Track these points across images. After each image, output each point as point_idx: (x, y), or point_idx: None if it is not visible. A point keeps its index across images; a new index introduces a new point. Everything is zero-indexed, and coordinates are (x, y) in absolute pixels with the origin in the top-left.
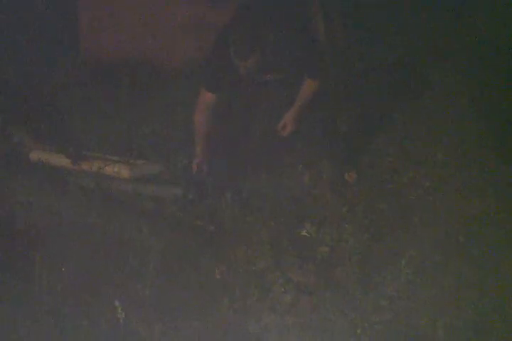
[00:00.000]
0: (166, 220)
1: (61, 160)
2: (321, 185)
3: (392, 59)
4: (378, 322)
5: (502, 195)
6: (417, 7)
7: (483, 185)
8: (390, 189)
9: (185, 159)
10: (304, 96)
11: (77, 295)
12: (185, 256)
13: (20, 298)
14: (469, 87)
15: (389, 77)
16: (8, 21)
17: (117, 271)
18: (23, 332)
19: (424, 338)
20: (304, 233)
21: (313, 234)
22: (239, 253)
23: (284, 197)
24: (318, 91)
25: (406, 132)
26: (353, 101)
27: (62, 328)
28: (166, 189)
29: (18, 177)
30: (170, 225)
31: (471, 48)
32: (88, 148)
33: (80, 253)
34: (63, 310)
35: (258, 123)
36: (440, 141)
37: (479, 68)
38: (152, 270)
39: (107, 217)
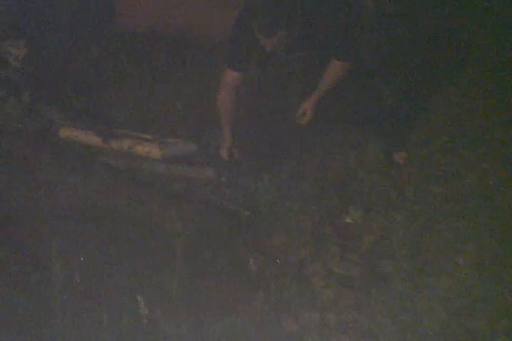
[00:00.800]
0: (197, 204)
1: (91, 138)
2: (368, 167)
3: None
4: (431, 324)
5: None
6: None
7: None
8: (444, 171)
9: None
10: (328, 81)
11: (97, 288)
12: (216, 245)
13: (34, 289)
14: None
15: (442, 46)
16: None
17: (142, 261)
18: (36, 329)
19: None
20: (348, 220)
21: (359, 222)
22: (276, 242)
23: (327, 179)
24: (344, 76)
25: (462, 106)
26: (402, 71)
27: (79, 324)
28: (198, 170)
29: (46, 155)
30: (202, 210)
31: None
32: (119, 125)
33: (103, 240)
34: (81, 304)
35: (293, 102)
36: (500, 117)
37: None
38: (180, 260)
39: (134, 200)
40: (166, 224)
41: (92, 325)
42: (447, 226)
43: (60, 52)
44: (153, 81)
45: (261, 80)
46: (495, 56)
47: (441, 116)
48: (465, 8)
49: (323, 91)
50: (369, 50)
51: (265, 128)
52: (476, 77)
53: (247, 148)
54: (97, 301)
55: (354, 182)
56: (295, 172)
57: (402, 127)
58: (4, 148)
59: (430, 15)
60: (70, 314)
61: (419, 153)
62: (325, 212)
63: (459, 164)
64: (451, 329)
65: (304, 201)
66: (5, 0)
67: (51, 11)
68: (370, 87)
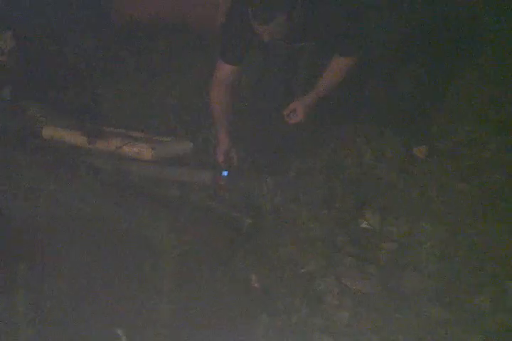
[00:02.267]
0: (193, 211)
1: (76, 138)
2: (385, 163)
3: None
4: None
5: None
6: None
7: None
8: (469, 166)
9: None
10: (328, 80)
11: (70, 317)
12: (213, 258)
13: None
14: None
15: (458, 33)
16: None
17: (127, 282)
18: None
19: None
20: (364, 225)
21: (376, 227)
22: (282, 254)
23: (340, 179)
24: (347, 73)
25: (485, 95)
26: (419, 58)
27: None
28: (194, 173)
29: (27, 157)
30: (198, 217)
31: None
32: (106, 124)
33: (84, 255)
34: (52, 328)
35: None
36: None
37: None
38: (171, 278)
39: (121, 208)
40: (157, 235)
41: None
42: (477, 231)
43: (49, 45)
44: (145, 75)
45: (259, 74)
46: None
47: (462, 105)
48: None
49: (320, 92)
50: (379, 40)
51: (266, 125)
52: (496, 62)
53: (248, 148)
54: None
55: (370, 181)
56: (303, 173)
57: (421, 118)
58: None
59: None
60: None
61: (440, 146)
62: (338, 216)
63: (486, 157)
64: None
65: (313, 205)
66: None
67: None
68: (385, 78)
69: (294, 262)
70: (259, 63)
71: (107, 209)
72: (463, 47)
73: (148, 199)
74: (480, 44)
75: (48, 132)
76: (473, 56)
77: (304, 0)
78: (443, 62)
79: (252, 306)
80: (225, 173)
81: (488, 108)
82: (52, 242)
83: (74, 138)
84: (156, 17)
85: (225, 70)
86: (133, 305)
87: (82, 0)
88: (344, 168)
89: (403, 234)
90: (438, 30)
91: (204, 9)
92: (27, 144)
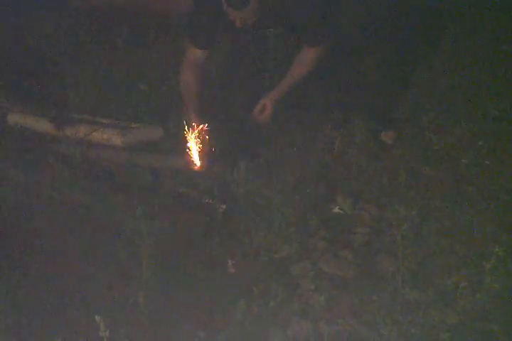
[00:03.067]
0: (165, 198)
1: (42, 125)
2: (355, 149)
3: None
4: (440, 330)
5: None
6: None
7: None
8: (436, 150)
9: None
10: (297, 70)
11: (50, 301)
12: (188, 245)
13: None
14: None
15: (425, 20)
16: None
17: (103, 270)
18: None
19: None
20: (336, 210)
21: (348, 211)
22: (257, 239)
23: (311, 165)
24: (315, 64)
25: (450, 80)
26: (383, 44)
27: None
28: (166, 159)
29: None
30: (170, 204)
31: None
32: (74, 109)
33: (55, 243)
34: (29, 324)
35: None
36: (492, 89)
37: None
38: (147, 266)
39: (92, 196)
40: (131, 222)
41: None
42: (447, 214)
43: (8, 29)
44: (113, 59)
45: (229, 59)
46: (480, 26)
47: (427, 91)
48: None
49: (288, 85)
50: (347, 30)
51: (237, 111)
52: (463, 48)
53: (219, 134)
54: (47, 321)
55: (340, 166)
56: (274, 159)
57: (388, 104)
58: None
59: None
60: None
61: (408, 131)
62: (309, 202)
63: (451, 142)
64: (462, 335)
65: (285, 191)
66: None
67: None
68: (352, 65)
69: (268, 247)
70: (228, 48)
71: (78, 197)
72: (428, 35)
73: (120, 186)
74: (443, 32)
75: (13, 118)
76: (438, 44)
77: None
78: (408, 50)
79: (229, 292)
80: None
81: (453, 95)
82: (21, 230)
83: (40, 124)
84: (120, 1)
85: (195, 55)
86: (110, 292)
87: None
88: (315, 154)
89: (375, 218)
90: (405, 18)
91: None
92: None
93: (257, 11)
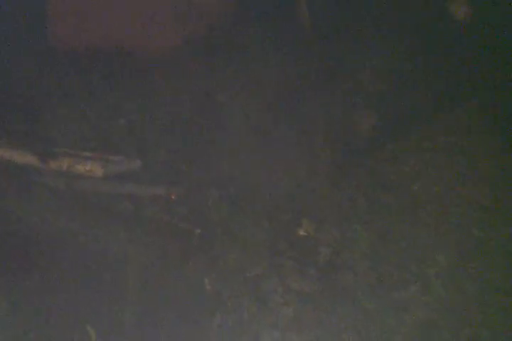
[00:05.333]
0: (146, 224)
1: (27, 158)
2: (318, 178)
3: None
4: (398, 338)
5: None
6: None
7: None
8: (391, 180)
9: (166, 154)
10: None
11: (43, 320)
12: (169, 266)
13: None
14: None
15: None
16: None
17: (90, 289)
18: None
19: None
20: (302, 232)
21: (312, 234)
22: (230, 259)
23: (278, 193)
24: None
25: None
26: None
27: None
28: (145, 188)
29: None
30: (151, 229)
31: None
32: (57, 144)
33: (46, 267)
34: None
35: None
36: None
37: None
38: (132, 285)
39: (77, 223)
40: (113, 247)
41: None
42: (402, 236)
43: None
44: (94, 97)
45: None
46: None
47: (386, 125)
48: None
49: None
50: None
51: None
52: None
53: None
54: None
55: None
56: (244, 186)
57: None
58: None
59: None
60: None
61: (366, 162)
62: (277, 226)
63: (406, 171)
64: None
65: (255, 216)
66: None
67: None
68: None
69: (241, 266)
70: None
71: (62, 224)
72: None
73: (103, 214)
74: None
75: None
76: None
77: None
78: None
79: (206, 307)
80: None
81: (409, 127)
82: (12, 256)
83: (25, 158)
84: (98, 42)
85: None
86: (99, 308)
87: (25, 27)
88: (281, 183)
89: (336, 239)
90: None
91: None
92: None
93: None
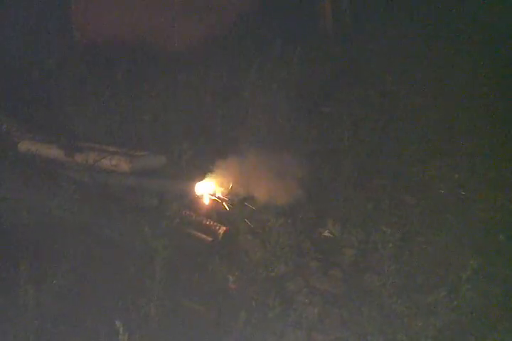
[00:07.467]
0: (170, 220)
1: (53, 152)
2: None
3: None
4: (426, 338)
5: None
6: None
7: None
8: (416, 182)
9: (191, 149)
10: None
11: (70, 312)
12: (192, 263)
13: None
14: None
15: None
16: None
17: (116, 283)
18: None
19: None
20: (326, 233)
21: (337, 235)
22: (254, 258)
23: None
24: None
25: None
26: None
27: None
28: (170, 184)
29: (4, 170)
30: (175, 225)
31: None
32: (83, 138)
33: (72, 260)
34: (51, 330)
35: None
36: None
37: None
38: (157, 280)
39: (103, 217)
40: (139, 242)
41: None
42: (426, 238)
43: (21, 61)
44: (120, 93)
45: None
46: None
47: (409, 130)
48: None
49: None
50: None
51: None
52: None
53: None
54: (71, 327)
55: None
56: (271, 188)
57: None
58: None
59: None
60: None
61: (390, 164)
62: (302, 226)
63: (431, 174)
64: None
65: (280, 216)
66: None
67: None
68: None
69: (265, 266)
70: None
71: (87, 218)
72: None
73: (128, 209)
74: None
75: (24, 146)
76: None
77: None
78: None
79: (231, 305)
80: None
81: (431, 132)
82: (39, 248)
83: (51, 151)
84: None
85: None
86: (126, 302)
87: (48, 22)
88: (306, 184)
89: (361, 241)
90: None
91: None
92: (4, 157)
93: None
